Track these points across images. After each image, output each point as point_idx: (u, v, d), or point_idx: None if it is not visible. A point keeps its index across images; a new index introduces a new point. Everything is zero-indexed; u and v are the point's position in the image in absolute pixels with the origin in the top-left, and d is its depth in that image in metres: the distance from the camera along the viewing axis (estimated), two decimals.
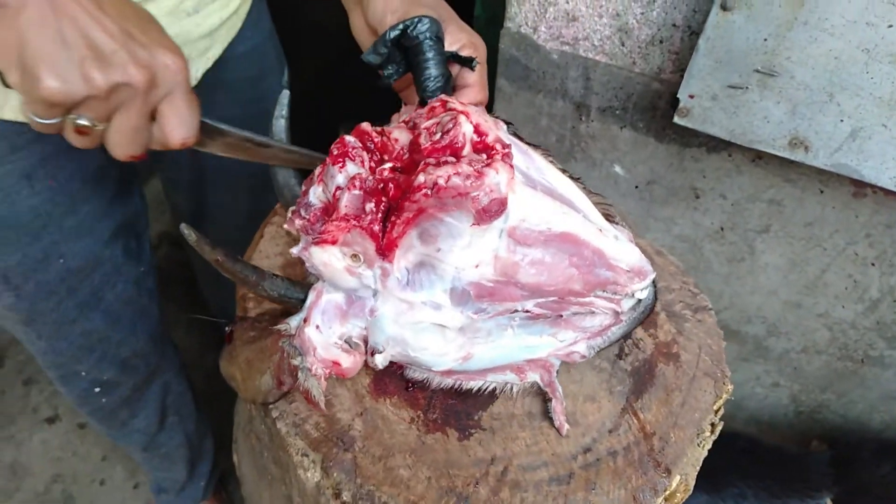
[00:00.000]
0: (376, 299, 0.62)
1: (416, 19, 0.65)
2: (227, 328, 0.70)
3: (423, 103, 0.67)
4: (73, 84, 0.51)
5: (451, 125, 0.64)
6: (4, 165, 0.79)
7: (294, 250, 0.62)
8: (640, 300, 0.69)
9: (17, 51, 0.50)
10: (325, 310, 0.63)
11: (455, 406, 0.69)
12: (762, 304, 1.24)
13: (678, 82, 0.93)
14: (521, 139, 0.70)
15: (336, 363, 0.62)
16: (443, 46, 0.67)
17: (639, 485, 0.63)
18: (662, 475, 0.65)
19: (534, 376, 0.68)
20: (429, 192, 0.57)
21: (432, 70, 0.66)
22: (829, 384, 1.33)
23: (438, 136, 0.64)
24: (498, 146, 0.63)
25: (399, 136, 0.66)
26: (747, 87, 0.87)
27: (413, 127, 0.66)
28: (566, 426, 0.66)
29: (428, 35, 0.65)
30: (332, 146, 0.63)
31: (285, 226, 0.68)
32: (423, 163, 0.61)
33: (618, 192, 1.18)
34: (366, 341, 0.64)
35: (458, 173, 0.57)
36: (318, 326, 0.62)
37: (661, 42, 0.97)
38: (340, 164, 0.62)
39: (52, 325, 0.95)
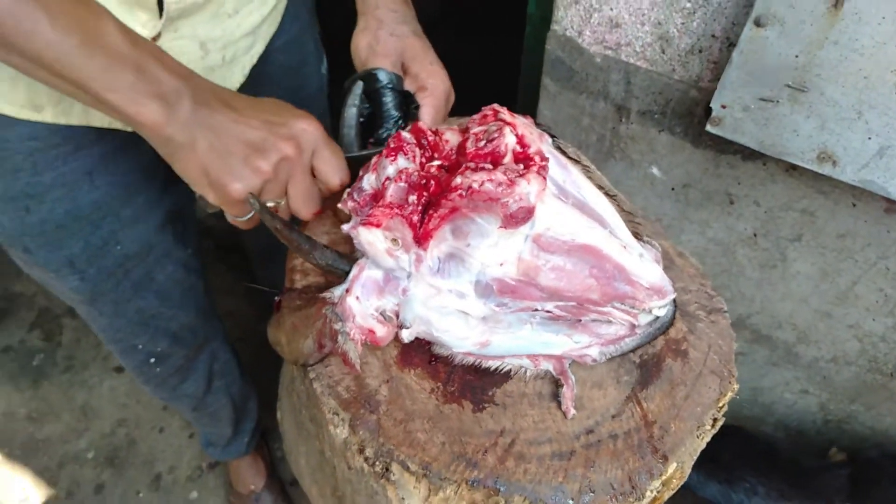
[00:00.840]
0: (409, 281, 0.68)
1: (369, 71, 0.79)
2: (276, 297, 0.78)
3: (379, 142, 0.79)
4: (248, 179, 0.64)
5: (496, 135, 0.71)
6: (69, 164, 0.86)
7: (345, 227, 0.68)
8: (657, 317, 0.74)
9: (205, 176, 0.63)
10: (364, 283, 0.69)
11: (472, 381, 0.75)
12: (793, 311, 1.26)
13: (715, 91, 0.96)
14: (563, 153, 0.76)
15: (371, 331, 0.68)
16: (397, 93, 0.80)
17: (635, 467, 0.66)
18: (659, 461, 0.68)
19: (547, 365, 0.73)
20: (463, 194, 0.63)
21: (391, 112, 0.79)
22: (857, 395, 1.34)
23: (483, 143, 0.71)
24: (537, 158, 0.69)
25: (450, 137, 0.73)
26: (778, 101, 0.90)
27: (464, 131, 0.74)
28: (573, 411, 0.70)
29: (385, 84, 0.78)
30: (390, 139, 0.70)
31: (339, 205, 0.75)
32: (464, 165, 0.68)
33: (654, 193, 1.22)
34: (397, 316, 0.70)
35: (491, 180, 0.64)
36: (357, 297, 0.68)
37: (700, 52, 1.01)
38: (393, 158, 0.69)
39: (111, 304, 1.04)
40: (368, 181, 0.70)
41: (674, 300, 0.74)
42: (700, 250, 1.25)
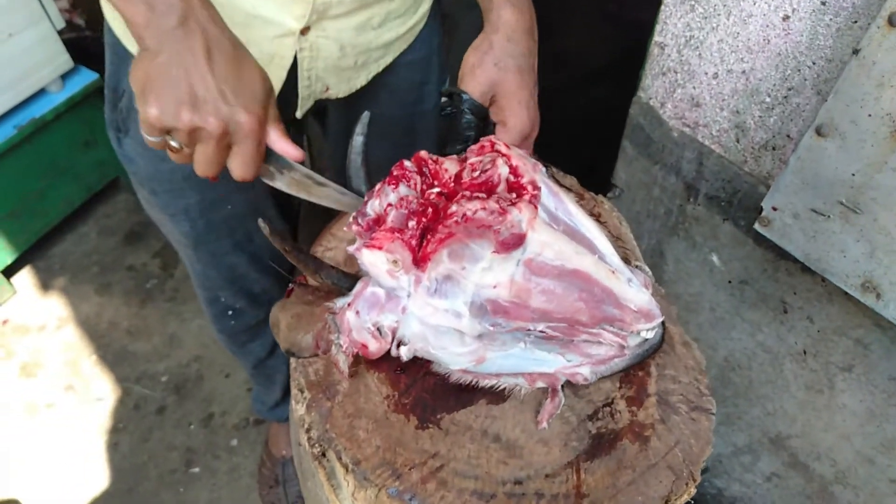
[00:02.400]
0: (409, 300, 0.72)
1: (461, 94, 0.83)
2: (290, 284, 0.84)
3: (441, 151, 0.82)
4: (166, 116, 0.66)
5: (489, 166, 0.75)
6: None
7: (350, 248, 0.72)
8: (646, 339, 0.75)
9: (144, 83, 0.67)
10: (367, 299, 0.73)
11: (426, 400, 0.78)
12: (834, 445, 1.15)
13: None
14: (557, 182, 0.79)
15: (364, 345, 0.72)
16: (479, 116, 0.84)
17: None
18: None
19: (541, 384, 0.75)
20: (458, 221, 0.68)
21: (463, 133, 0.84)
22: None
23: (478, 173, 0.75)
24: (529, 187, 0.73)
25: (449, 166, 0.78)
26: (829, 216, 0.85)
27: (463, 160, 0.78)
28: (544, 424, 0.72)
29: (465, 108, 0.83)
30: (393, 168, 0.75)
31: (345, 228, 0.82)
32: (460, 194, 0.73)
33: (711, 281, 1.18)
34: (394, 333, 0.74)
35: (484, 208, 0.68)
36: (357, 312, 0.72)
37: (773, 149, 0.97)
38: (394, 186, 0.74)
39: (208, 254, 1.15)
40: (372, 206, 0.74)
41: (662, 323, 0.75)
42: (748, 353, 1.19)
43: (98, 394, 1.97)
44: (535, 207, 0.69)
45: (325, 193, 0.79)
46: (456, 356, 0.75)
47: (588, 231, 0.76)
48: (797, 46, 0.87)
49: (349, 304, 0.73)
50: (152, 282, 2.23)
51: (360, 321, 0.73)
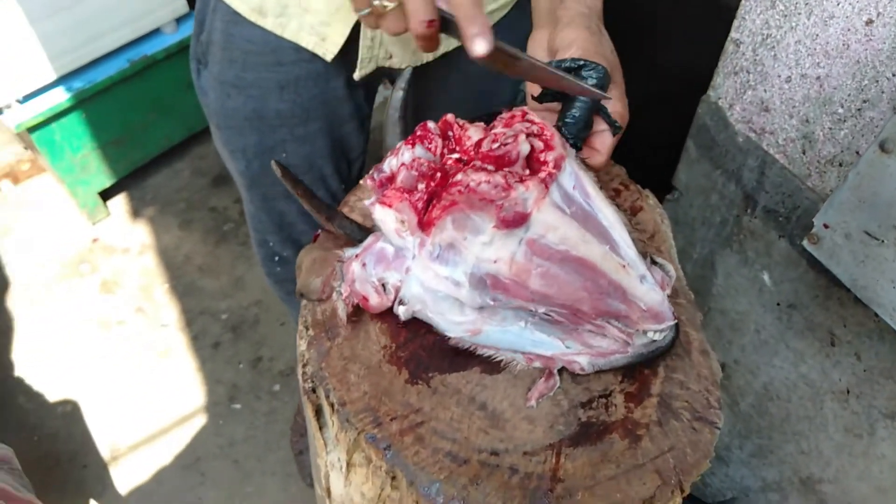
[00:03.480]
0: (412, 261, 0.72)
1: (594, 63, 0.71)
2: (317, 231, 0.86)
3: (560, 131, 0.73)
4: None
5: (510, 140, 0.74)
6: (269, 72, 0.98)
7: (366, 201, 0.74)
8: (654, 340, 0.72)
9: None
10: (375, 253, 0.74)
11: (422, 357, 0.78)
12: (868, 497, 1.06)
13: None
14: (584, 164, 0.76)
15: (365, 298, 0.74)
16: (600, 98, 0.72)
17: None
18: None
19: (538, 364, 0.74)
20: (462, 190, 0.68)
21: (577, 112, 0.72)
22: None
23: (497, 145, 0.74)
24: (551, 164, 0.71)
25: (473, 134, 0.78)
26: (883, 241, 0.78)
27: (490, 128, 0.77)
28: (532, 402, 0.71)
29: (594, 82, 0.71)
30: (417, 128, 0.75)
31: (362, 181, 0.83)
32: (471, 163, 0.73)
33: (759, 301, 1.11)
34: (398, 291, 0.74)
35: (488, 181, 0.68)
36: (364, 264, 0.73)
37: (840, 165, 0.90)
38: (411, 146, 0.74)
39: (260, 197, 1.18)
40: (389, 164, 0.75)
41: (676, 326, 0.71)
42: (789, 384, 1.11)
43: (164, 320, 2.10)
44: (546, 188, 0.67)
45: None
46: (452, 324, 0.74)
47: (605, 218, 0.74)
48: (878, 55, 0.80)
49: (357, 255, 0.74)
50: (229, 225, 2.34)
51: (365, 273, 0.73)
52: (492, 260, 0.68)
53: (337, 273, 0.76)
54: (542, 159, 0.72)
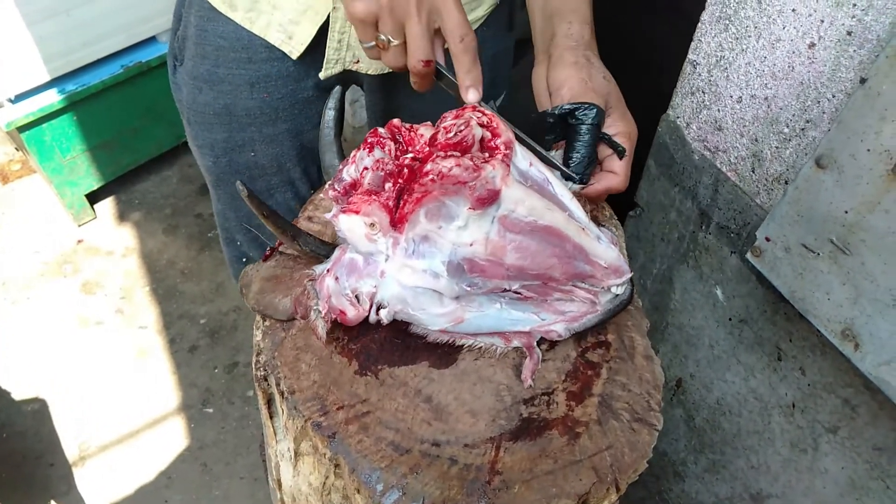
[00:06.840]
0: (387, 263, 0.74)
1: (585, 105, 0.78)
2: (268, 249, 0.86)
3: (567, 177, 0.80)
4: (368, 2, 0.71)
5: (464, 127, 0.77)
6: (239, 69, 0.99)
7: (327, 215, 0.75)
8: (616, 295, 0.76)
9: None
10: (345, 265, 0.76)
11: (372, 350, 0.80)
12: None
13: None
14: (528, 146, 0.80)
15: (342, 312, 0.75)
16: (599, 132, 0.79)
17: (455, 499, 0.67)
18: None
19: (517, 343, 0.77)
20: (434, 179, 0.70)
21: (581, 151, 0.79)
22: None
23: (452, 134, 0.78)
24: (502, 147, 0.75)
25: (424, 132, 0.81)
26: (819, 254, 0.81)
27: (440, 122, 0.81)
28: (529, 381, 0.74)
29: (590, 121, 0.77)
30: (367, 135, 0.77)
31: (321, 194, 0.84)
32: (434, 154, 0.76)
33: (713, 316, 1.14)
34: (372, 299, 0.76)
35: (459, 165, 0.71)
36: (336, 278, 0.75)
37: (785, 182, 0.93)
38: (369, 150, 0.77)
39: (228, 195, 1.18)
40: (348, 173, 0.77)
41: (630, 279, 0.76)
42: (740, 398, 1.14)
43: (143, 322, 2.12)
44: (508, 165, 0.71)
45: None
46: (435, 317, 0.76)
47: (556, 189, 0.77)
48: (819, 77, 0.84)
49: (328, 270, 0.75)
50: (213, 232, 2.37)
51: (339, 287, 0.75)
52: (468, 243, 0.71)
53: (310, 292, 0.76)
54: (493, 145, 0.75)
